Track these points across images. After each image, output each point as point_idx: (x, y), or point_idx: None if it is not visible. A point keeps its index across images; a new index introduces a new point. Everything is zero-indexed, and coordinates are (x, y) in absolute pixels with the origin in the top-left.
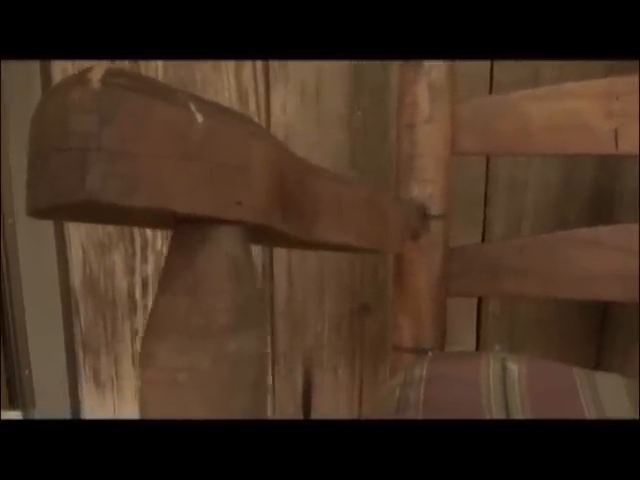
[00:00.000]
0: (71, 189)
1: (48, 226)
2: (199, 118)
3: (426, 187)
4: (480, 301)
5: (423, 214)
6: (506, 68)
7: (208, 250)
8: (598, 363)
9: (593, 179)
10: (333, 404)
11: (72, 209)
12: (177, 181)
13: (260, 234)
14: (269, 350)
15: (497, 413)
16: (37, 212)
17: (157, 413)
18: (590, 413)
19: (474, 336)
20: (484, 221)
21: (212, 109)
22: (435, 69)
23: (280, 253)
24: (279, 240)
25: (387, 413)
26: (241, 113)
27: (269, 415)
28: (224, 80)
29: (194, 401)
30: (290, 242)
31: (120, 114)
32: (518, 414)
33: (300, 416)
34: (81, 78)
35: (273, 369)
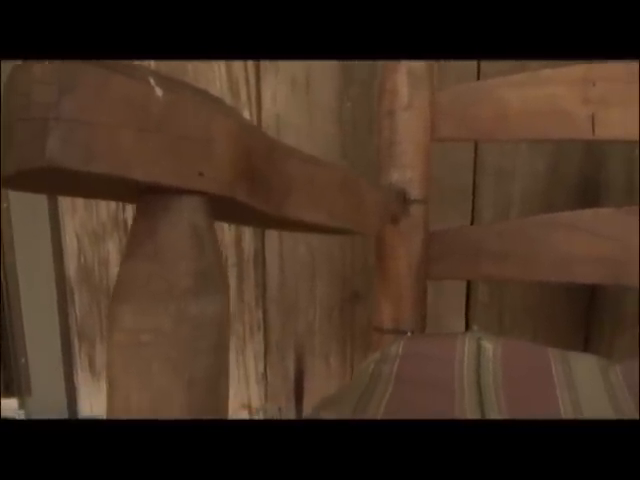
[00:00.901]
0: (33, 156)
1: (43, 215)
2: (158, 92)
3: (406, 172)
4: (469, 288)
5: (403, 199)
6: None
7: (170, 218)
8: (586, 349)
9: (579, 167)
10: (325, 391)
11: (39, 177)
12: (137, 151)
13: (229, 209)
14: (261, 338)
15: (468, 390)
16: (6, 181)
17: (122, 373)
18: (562, 393)
19: (463, 322)
20: (472, 209)
21: (173, 84)
22: None
23: (272, 240)
24: (252, 216)
25: (359, 388)
26: (205, 90)
27: (262, 403)
28: (215, 71)
29: (157, 361)
30: (263, 219)
31: (79, 86)
32: (490, 391)
33: (292, 402)
34: None
35: (265, 357)
